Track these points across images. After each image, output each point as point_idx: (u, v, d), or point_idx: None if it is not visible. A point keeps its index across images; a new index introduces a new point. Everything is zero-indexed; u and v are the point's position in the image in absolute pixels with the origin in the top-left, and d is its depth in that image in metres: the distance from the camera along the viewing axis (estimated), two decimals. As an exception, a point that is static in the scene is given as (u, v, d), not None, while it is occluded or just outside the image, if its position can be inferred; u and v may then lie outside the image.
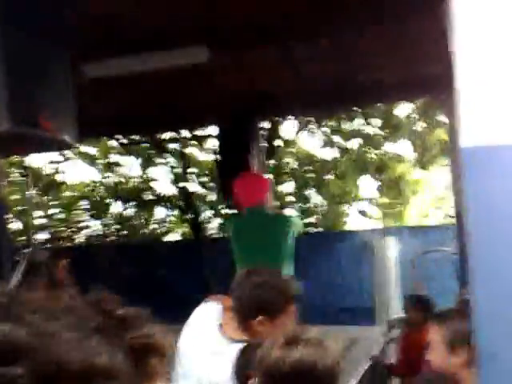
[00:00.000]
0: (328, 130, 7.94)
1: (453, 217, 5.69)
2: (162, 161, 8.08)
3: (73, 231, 9.24)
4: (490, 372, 1.71)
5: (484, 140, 1.95)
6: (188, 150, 8.29)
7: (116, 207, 9.02)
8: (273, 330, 1.57)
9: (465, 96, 1.98)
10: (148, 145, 7.89)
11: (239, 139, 5.08)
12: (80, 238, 9.29)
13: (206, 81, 4.55)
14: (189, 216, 8.25)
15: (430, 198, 10.05)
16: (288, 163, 8.62)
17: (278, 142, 7.92)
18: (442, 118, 6.66)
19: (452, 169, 5.43)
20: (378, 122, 7.49)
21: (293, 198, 8.97)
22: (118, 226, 9.08)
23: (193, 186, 8.50)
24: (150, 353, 0.51)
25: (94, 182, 8.91)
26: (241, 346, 1.55)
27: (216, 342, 1.67)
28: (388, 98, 5.69)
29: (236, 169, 5.12)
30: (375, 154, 8.00)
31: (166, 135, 7.76)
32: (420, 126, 7.50)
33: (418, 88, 5.09)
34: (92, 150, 8.34)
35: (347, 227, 9.18)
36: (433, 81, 4.81)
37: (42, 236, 8.93)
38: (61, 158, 8.41)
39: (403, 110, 7.36)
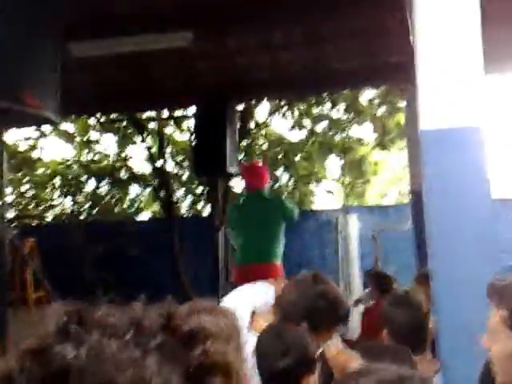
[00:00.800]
0: (297, 114, 8.19)
1: (410, 195, 6.07)
2: (139, 139, 8.12)
3: (44, 209, 9.10)
4: (447, 330, 1.82)
5: (442, 123, 2.19)
6: (166, 130, 8.34)
7: (90, 185, 8.99)
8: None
9: (424, 82, 2.21)
10: (126, 123, 7.87)
11: (215, 120, 5.26)
12: (50, 216, 9.18)
13: (187, 63, 4.70)
14: (162, 194, 8.34)
15: (389, 178, 10.53)
16: (259, 145, 8.84)
17: (251, 124, 8.12)
18: (402, 104, 7.05)
19: (409, 151, 5.80)
20: (343, 106, 7.81)
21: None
22: (89, 204, 9.00)
23: (168, 165, 8.60)
24: (209, 373, 0.45)
25: (68, 159, 8.79)
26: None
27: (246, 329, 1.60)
28: (353, 85, 5.99)
29: (211, 149, 5.31)
30: (340, 137, 8.34)
31: (145, 114, 7.80)
32: (381, 111, 7.88)
33: (381, 75, 5.40)
34: (69, 127, 8.27)
35: (313, 206, 9.50)
36: (394, 69, 5.14)
37: (11, 214, 8.78)
38: (37, 135, 8.29)
39: (367, 95, 7.73)
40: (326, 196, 9.69)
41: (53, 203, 9.07)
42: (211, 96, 5.20)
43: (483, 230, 1.96)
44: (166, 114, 7.77)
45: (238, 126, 7.92)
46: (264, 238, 4.07)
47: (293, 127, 8.24)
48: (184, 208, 9.38)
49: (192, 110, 6.44)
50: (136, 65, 4.61)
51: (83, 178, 8.75)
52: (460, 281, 1.90)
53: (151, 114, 7.66)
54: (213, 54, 4.67)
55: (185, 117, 7.66)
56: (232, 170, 5.69)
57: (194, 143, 5.69)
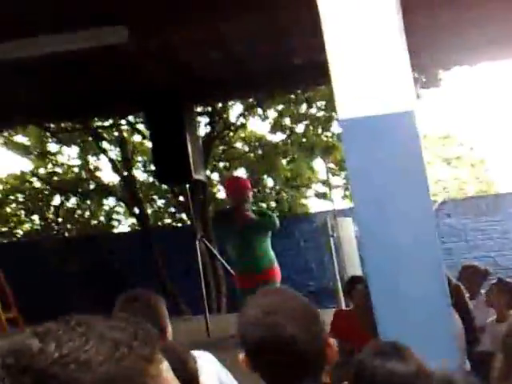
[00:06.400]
0: (275, 114, 7.92)
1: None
2: (106, 148, 7.88)
3: (9, 227, 8.89)
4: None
5: (358, 111, 1.96)
6: (133, 138, 8.11)
7: (57, 199, 8.73)
8: None
9: (338, 71, 1.98)
10: (81, 132, 7.61)
11: (171, 124, 4.99)
12: (17, 234, 8.95)
13: (127, 62, 4.42)
14: (134, 206, 8.09)
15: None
16: (238, 148, 8.56)
17: (224, 128, 7.86)
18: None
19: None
20: (322, 104, 7.52)
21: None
22: (61, 220, 8.76)
23: (138, 174, 8.36)
24: None
25: (27, 173, 8.49)
26: None
27: None
28: (325, 81, 5.67)
29: (171, 155, 5.04)
30: (324, 136, 8.04)
31: (102, 122, 7.57)
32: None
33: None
34: (23, 139, 8.00)
35: (305, 210, 9.23)
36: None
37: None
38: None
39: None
40: (318, 200, 9.40)
41: (21, 219, 8.83)
42: (161, 98, 4.91)
43: (422, 231, 1.78)
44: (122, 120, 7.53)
45: (209, 130, 7.69)
46: (252, 253, 4.60)
47: (273, 128, 7.93)
48: (165, 218, 9.14)
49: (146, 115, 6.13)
50: (73, 66, 4.32)
51: (48, 193, 8.50)
52: (398, 291, 1.77)
53: (108, 121, 7.43)
54: (154, 51, 4.38)
55: (143, 122, 7.40)
56: (199, 176, 5.44)
57: (152, 150, 5.44)
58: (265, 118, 7.77)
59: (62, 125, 7.25)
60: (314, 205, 9.50)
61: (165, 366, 0.58)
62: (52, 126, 7.31)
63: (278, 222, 4.68)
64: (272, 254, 4.73)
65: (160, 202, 9.13)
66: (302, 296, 1.14)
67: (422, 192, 1.90)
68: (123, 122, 7.53)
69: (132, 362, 0.54)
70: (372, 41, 1.95)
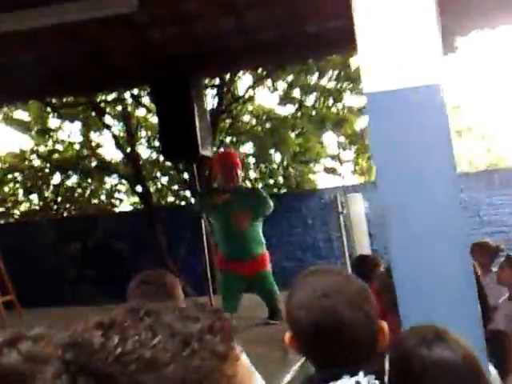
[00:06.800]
0: (285, 85, 7.75)
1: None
2: (109, 123, 7.75)
3: (6, 207, 8.78)
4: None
5: (385, 85, 1.91)
6: (137, 112, 7.98)
7: (57, 178, 8.60)
8: None
9: (364, 44, 1.93)
10: (84, 107, 7.43)
11: (179, 97, 4.87)
12: (15, 214, 8.86)
13: (136, 32, 4.30)
14: (137, 184, 7.98)
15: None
16: (245, 122, 8.42)
17: (232, 100, 7.69)
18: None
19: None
20: (334, 74, 7.34)
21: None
22: (60, 199, 8.65)
23: (142, 151, 8.24)
24: None
25: (26, 151, 8.26)
26: None
27: None
28: (339, 49, 5.53)
29: (178, 130, 4.96)
30: (335, 108, 7.88)
31: (106, 96, 7.42)
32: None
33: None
34: (23, 115, 7.83)
35: (314, 186, 9.16)
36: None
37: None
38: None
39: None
40: (328, 175, 9.32)
41: (19, 199, 8.73)
42: (170, 70, 4.78)
43: (447, 207, 1.78)
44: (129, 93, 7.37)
45: (217, 103, 7.56)
46: (241, 237, 4.45)
47: (282, 100, 7.77)
48: (168, 196, 9.06)
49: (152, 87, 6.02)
50: (77, 37, 4.21)
51: (48, 171, 8.37)
52: (423, 270, 1.76)
53: (113, 95, 7.27)
54: (166, 20, 4.25)
55: (148, 95, 7.22)
56: (206, 152, 5.36)
57: (158, 124, 5.35)
58: (274, 89, 7.61)
59: (64, 99, 7.12)
60: (322, 180, 9.45)
61: (243, 363, 0.52)
62: (53, 100, 7.19)
63: (271, 202, 4.54)
64: (261, 236, 4.60)
65: (163, 180, 9.02)
66: (354, 276, 1.11)
67: (448, 167, 1.88)
68: (127, 95, 7.40)
69: (203, 359, 0.48)
70: (402, 13, 1.89)
